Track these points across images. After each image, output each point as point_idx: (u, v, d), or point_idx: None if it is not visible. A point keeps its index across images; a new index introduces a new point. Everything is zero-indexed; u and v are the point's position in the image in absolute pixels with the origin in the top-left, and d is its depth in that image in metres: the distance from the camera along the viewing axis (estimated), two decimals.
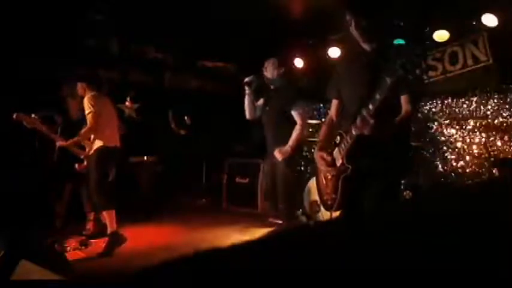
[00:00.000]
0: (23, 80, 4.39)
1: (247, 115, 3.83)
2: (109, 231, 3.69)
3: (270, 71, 3.70)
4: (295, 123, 3.60)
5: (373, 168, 2.05)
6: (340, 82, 2.29)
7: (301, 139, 3.62)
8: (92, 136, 3.86)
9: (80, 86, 3.96)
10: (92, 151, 3.85)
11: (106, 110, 3.88)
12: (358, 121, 1.93)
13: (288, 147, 3.51)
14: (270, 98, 3.75)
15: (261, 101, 3.84)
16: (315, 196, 2.58)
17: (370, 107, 1.86)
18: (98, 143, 3.82)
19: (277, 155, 3.54)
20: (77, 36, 4.86)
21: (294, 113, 3.58)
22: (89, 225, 4.29)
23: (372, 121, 1.85)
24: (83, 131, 3.79)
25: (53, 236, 3.80)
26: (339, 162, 2.15)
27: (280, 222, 4.10)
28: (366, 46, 2.11)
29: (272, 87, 3.75)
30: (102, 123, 3.79)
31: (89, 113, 3.72)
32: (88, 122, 3.74)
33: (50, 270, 2.28)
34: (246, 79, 3.69)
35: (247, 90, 3.72)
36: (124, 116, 5.72)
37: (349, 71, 2.23)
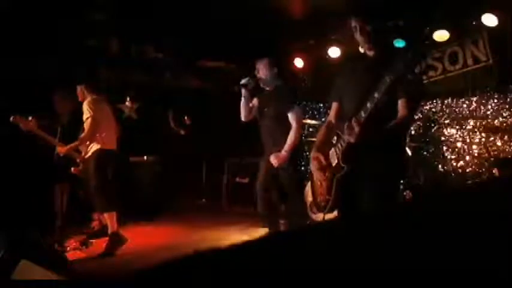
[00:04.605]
0: (21, 80, 4.38)
1: (243, 117, 3.67)
2: (110, 231, 3.71)
3: (263, 72, 3.54)
4: (290, 125, 3.44)
5: (368, 169, 2.05)
6: (342, 85, 2.30)
7: (297, 142, 3.46)
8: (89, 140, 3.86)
9: (79, 90, 3.98)
10: (89, 154, 3.87)
11: (104, 114, 3.90)
12: (345, 128, 1.94)
13: (283, 152, 3.37)
14: (265, 99, 3.61)
15: (254, 102, 3.70)
16: (311, 197, 2.56)
17: (368, 105, 1.87)
18: (95, 147, 3.84)
19: (274, 161, 3.39)
20: (77, 36, 4.86)
21: (289, 115, 3.44)
22: (93, 224, 4.30)
23: (357, 129, 1.87)
24: (81, 136, 3.80)
25: (53, 236, 3.80)
26: (334, 162, 2.15)
27: (282, 222, 4.05)
28: (369, 52, 2.14)
29: (267, 88, 3.61)
30: (100, 127, 3.81)
31: (88, 118, 3.74)
32: (86, 127, 3.76)
33: (50, 270, 2.28)
34: (242, 81, 3.52)
35: (243, 92, 3.55)
36: (124, 116, 5.73)
37: (351, 73, 2.24)
